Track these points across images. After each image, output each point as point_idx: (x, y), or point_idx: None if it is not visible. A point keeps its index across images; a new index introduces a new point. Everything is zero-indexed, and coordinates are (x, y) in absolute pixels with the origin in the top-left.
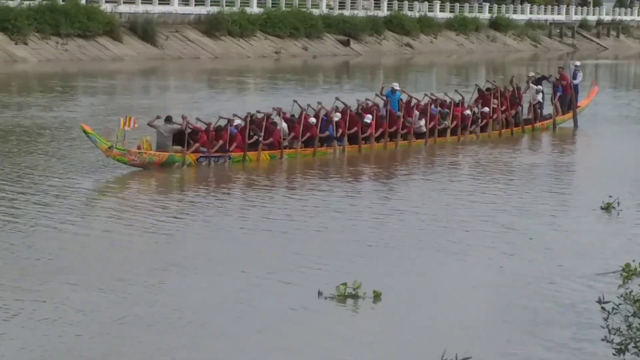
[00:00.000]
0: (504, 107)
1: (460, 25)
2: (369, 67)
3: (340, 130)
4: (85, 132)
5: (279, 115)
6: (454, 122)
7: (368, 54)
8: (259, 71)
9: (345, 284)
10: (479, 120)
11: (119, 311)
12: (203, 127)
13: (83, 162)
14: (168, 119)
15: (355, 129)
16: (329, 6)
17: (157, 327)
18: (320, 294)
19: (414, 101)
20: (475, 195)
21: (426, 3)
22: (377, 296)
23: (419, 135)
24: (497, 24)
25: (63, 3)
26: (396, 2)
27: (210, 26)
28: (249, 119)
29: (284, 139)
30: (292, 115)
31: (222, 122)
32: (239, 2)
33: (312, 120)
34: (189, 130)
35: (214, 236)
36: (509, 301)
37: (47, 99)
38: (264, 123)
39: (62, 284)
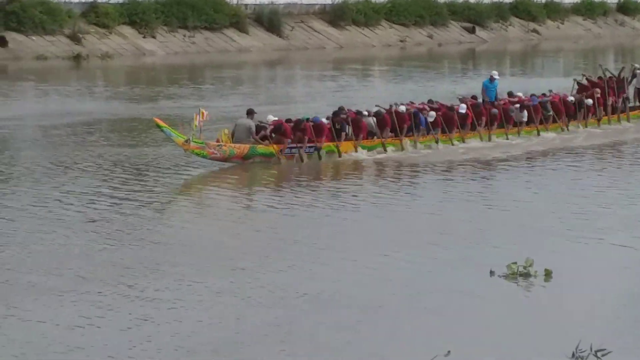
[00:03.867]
0: (611, 97)
1: (588, 10)
2: (495, 54)
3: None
4: (158, 125)
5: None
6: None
7: (494, 40)
8: (384, 60)
9: (516, 263)
10: (584, 109)
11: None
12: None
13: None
14: (249, 112)
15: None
16: None
17: (337, 304)
18: (492, 272)
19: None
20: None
21: None
22: (548, 274)
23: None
24: (626, 8)
25: None
26: None
27: (335, 16)
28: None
29: (371, 133)
30: (378, 111)
31: (307, 116)
32: None
33: (402, 108)
34: (268, 129)
35: (377, 220)
36: None
37: (185, 90)
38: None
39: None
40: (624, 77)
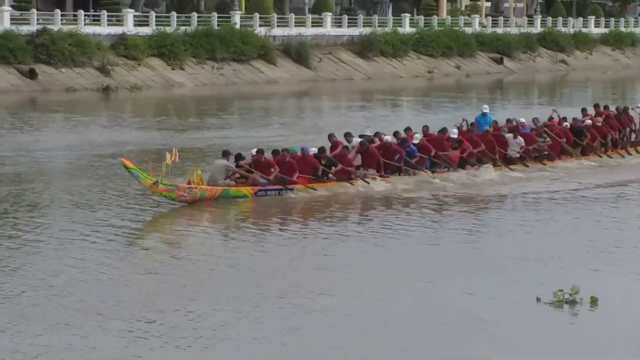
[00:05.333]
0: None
1: (616, 41)
2: (523, 85)
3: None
4: (126, 167)
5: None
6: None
7: (522, 71)
8: (412, 90)
9: (562, 290)
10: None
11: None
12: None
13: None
14: (225, 154)
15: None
16: (481, 24)
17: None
18: (538, 299)
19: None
20: None
21: (580, 19)
22: (594, 302)
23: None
24: None
25: (218, 28)
26: (550, 18)
27: (363, 47)
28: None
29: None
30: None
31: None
32: (391, 22)
33: (388, 138)
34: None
35: (419, 250)
36: None
37: (213, 121)
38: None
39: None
40: (625, 110)
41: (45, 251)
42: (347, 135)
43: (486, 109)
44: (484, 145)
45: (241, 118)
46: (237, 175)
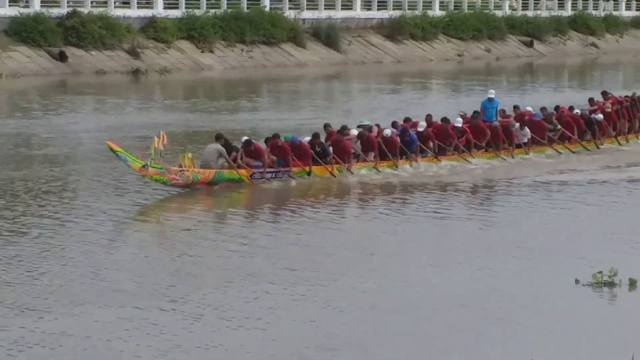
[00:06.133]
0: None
1: None
2: (553, 68)
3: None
4: (112, 150)
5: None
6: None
7: (552, 54)
8: (442, 74)
9: (601, 272)
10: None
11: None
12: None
13: None
14: (217, 137)
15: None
16: (511, 7)
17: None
18: (577, 281)
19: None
20: None
21: (611, 2)
22: (632, 284)
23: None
24: None
25: (248, 11)
26: (580, 1)
27: (393, 30)
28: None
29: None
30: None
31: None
32: (421, 5)
33: (387, 132)
34: (240, 151)
35: (455, 232)
36: None
37: (242, 104)
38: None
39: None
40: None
41: (80, 232)
42: (344, 129)
43: (492, 93)
44: (489, 134)
45: (273, 100)
46: (227, 165)
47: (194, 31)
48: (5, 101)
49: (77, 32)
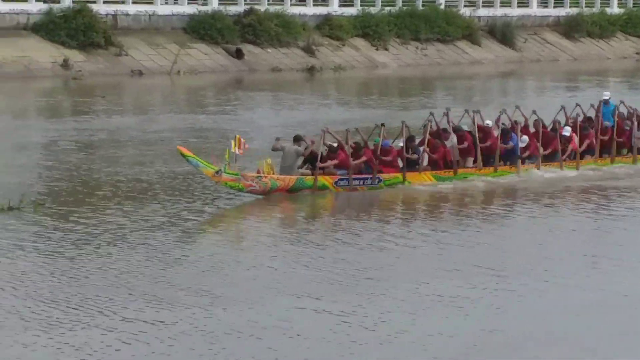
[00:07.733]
0: None
1: None
2: None
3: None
4: (183, 155)
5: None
6: None
7: None
8: (619, 72)
9: None
10: None
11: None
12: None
13: None
14: (296, 139)
15: (551, 148)
16: None
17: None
18: None
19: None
20: None
21: None
22: None
23: None
24: None
25: (423, 8)
26: None
27: (569, 28)
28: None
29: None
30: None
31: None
32: (598, 2)
33: (489, 123)
34: (323, 149)
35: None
36: None
37: (417, 100)
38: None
39: None
40: None
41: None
42: (444, 131)
43: (607, 95)
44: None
45: (453, 98)
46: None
47: (368, 29)
48: (185, 98)
49: (253, 29)
